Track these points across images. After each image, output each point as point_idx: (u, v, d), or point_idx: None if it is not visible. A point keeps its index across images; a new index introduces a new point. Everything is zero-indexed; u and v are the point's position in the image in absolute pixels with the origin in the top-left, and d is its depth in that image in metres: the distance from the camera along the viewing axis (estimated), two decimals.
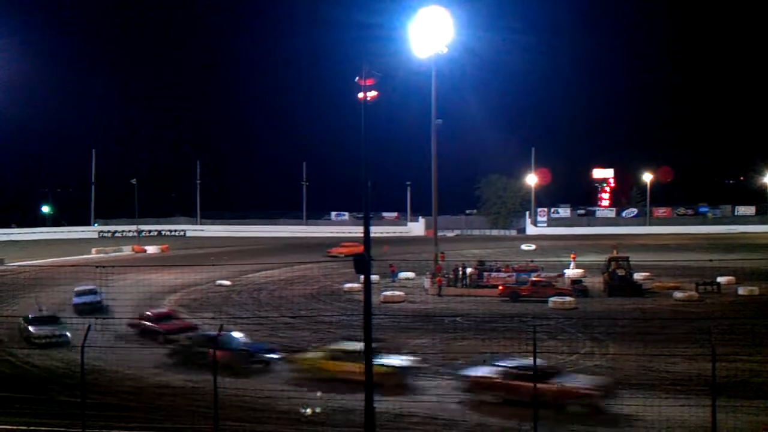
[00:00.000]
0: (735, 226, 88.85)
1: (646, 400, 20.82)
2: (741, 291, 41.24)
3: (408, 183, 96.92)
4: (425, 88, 49.04)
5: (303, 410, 20.52)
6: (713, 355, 17.14)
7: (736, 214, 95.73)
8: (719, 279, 43.30)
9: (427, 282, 46.25)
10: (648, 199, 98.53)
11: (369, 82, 19.21)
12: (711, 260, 45.05)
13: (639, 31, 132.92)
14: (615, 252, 45.82)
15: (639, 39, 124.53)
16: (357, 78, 19.40)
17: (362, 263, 17.99)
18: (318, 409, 20.59)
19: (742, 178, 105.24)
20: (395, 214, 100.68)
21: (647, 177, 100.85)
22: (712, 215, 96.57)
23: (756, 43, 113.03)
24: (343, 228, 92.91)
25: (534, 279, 42.75)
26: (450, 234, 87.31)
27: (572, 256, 50.71)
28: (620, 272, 42.94)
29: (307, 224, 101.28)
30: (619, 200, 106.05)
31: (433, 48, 46.96)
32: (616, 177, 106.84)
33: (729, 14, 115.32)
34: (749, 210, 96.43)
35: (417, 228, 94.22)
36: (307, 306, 40.71)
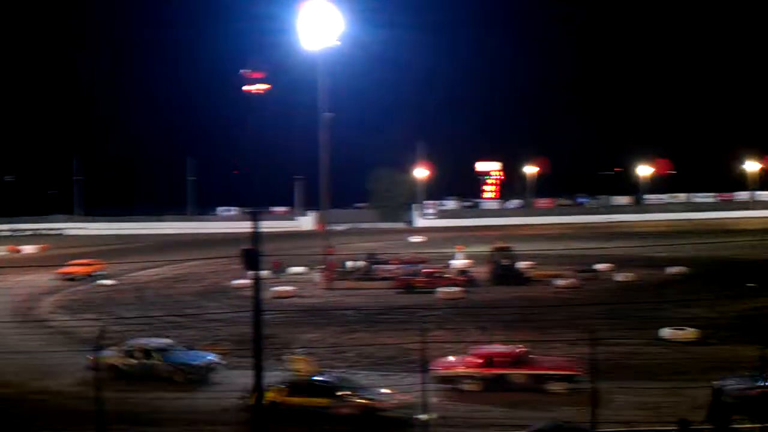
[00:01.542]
0: (612, 215, 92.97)
1: None
2: (618, 277, 43.31)
3: (298, 177, 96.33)
4: (317, 81, 48.84)
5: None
6: (592, 340, 17.90)
7: (612, 204, 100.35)
8: (599, 266, 45.40)
9: (317, 276, 46.18)
10: (525, 191, 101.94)
11: (257, 74, 18.97)
12: (590, 248, 47.06)
13: (524, 24, 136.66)
14: (500, 244, 47.13)
15: (524, 33, 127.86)
16: (243, 70, 19.12)
17: (251, 258, 17.76)
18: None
19: (617, 169, 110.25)
20: (285, 208, 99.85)
21: (530, 169, 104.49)
22: (591, 205, 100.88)
23: (632, 37, 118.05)
24: (230, 224, 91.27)
25: (427, 270, 43.47)
26: (340, 228, 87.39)
27: (458, 247, 51.80)
28: (505, 262, 44.29)
29: (193, 220, 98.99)
30: (504, 192, 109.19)
31: (324, 41, 46.83)
32: (501, 169, 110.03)
33: (610, 7, 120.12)
34: (624, 200, 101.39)
35: (307, 222, 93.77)
36: (194, 304, 39.90)
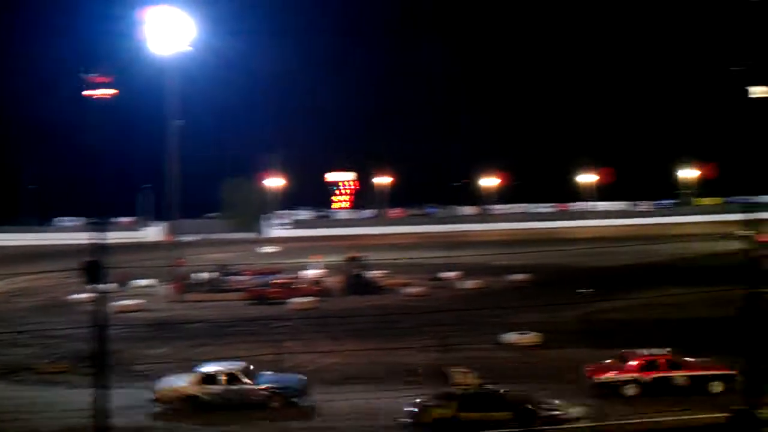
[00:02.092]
0: (459, 224, 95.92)
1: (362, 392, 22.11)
2: (466, 285, 44.76)
3: (145, 186, 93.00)
4: (167, 87, 47.39)
5: None
6: (439, 346, 18.41)
7: (459, 214, 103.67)
8: (447, 274, 46.75)
9: (165, 289, 44.74)
10: (378, 200, 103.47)
11: (102, 79, 18.16)
12: (439, 257, 48.27)
13: (379, 35, 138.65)
14: (353, 253, 47.54)
15: (378, 43, 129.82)
16: (86, 75, 18.26)
17: (94, 270, 16.92)
18: None
19: (465, 181, 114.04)
20: (131, 218, 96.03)
21: (382, 179, 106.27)
22: (440, 215, 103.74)
23: (480, 52, 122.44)
24: (69, 235, 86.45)
25: (279, 281, 43.12)
26: (190, 238, 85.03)
27: (314, 257, 51.77)
28: (357, 271, 44.74)
29: (29, 231, 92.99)
30: (357, 202, 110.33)
31: (174, 46, 45.61)
32: (354, 180, 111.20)
33: (468, 22, 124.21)
34: (471, 210, 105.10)
35: (154, 233, 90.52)
36: (31, 320, 37.49)
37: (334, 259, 48.95)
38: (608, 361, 23.16)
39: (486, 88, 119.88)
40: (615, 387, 22.05)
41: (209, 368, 22.62)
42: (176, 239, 50.52)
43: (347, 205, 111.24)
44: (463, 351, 24.31)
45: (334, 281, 45.60)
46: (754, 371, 17.86)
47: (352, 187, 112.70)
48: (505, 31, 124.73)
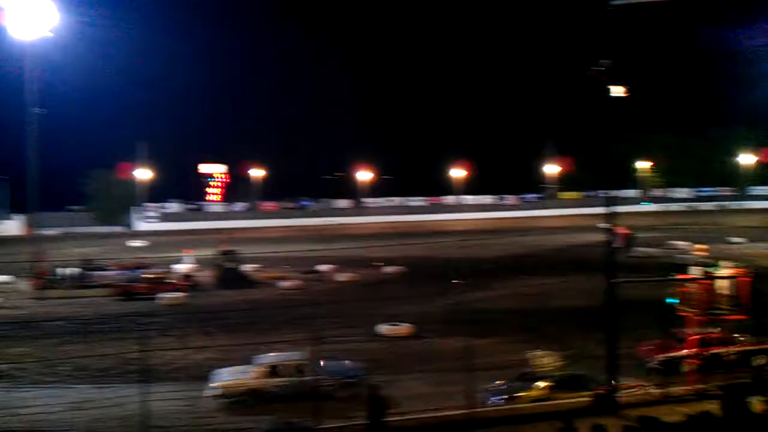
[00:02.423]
0: (333, 218, 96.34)
1: None
2: (340, 277, 44.95)
3: (2, 177, 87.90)
4: (27, 74, 44.91)
5: None
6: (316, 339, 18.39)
7: (334, 207, 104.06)
8: (322, 267, 46.81)
9: (25, 285, 42.48)
10: (250, 193, 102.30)
11: None
12: (313, 250, 48.33)
13: (257, 26, 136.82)
14: (225, 247, 46.77)
15: (255, 35, 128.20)
16: None
17: None
18: None
19: (339, 174, 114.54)
20: None
21: (255, 172, 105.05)
22: (313, 208, 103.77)
23: (357, 46, 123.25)
24: None
25: (148, 276, 41.82)
26: (52, 232, 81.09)
27: (186, 251, 50.58)
28: (229, 265, 44.05)
29: None
30: (229, 195, 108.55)
31: (35, 32, 43.29)
32: (226, 172, 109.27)
33: (338, 14, 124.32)
34: (345, 203, 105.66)
35: (12, 227, 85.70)
36: None
37: (206, 252, 48.01)
38: (656, 341, 24.14)
39: (360, 82, 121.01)
40: (676, 365, 22.58)
41: (272, 359, 22.16)
42: (36, 233, 47.98)
43: (219, 198, 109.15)
44: (335, 343, 24.33)
45: (206, 275, 44.75)
46: (611, 356, 18.91)
47: (224, 179, 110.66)
48: (377, 23, 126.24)
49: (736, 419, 11.94)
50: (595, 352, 21.55)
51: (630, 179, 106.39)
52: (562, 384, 20.21)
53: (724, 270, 22.97)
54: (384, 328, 29.81)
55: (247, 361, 22.58)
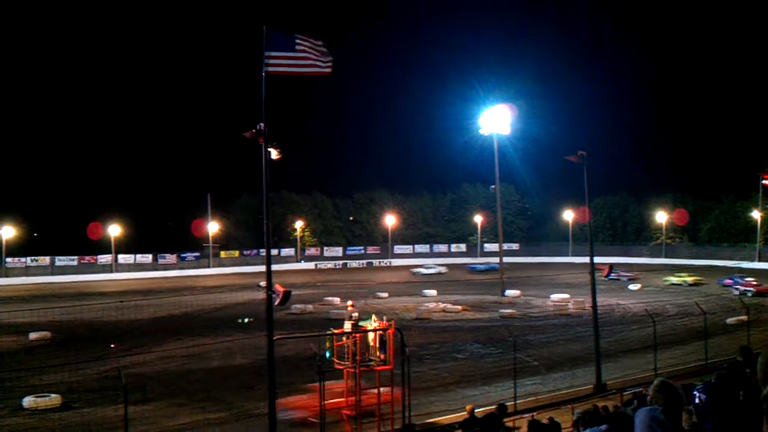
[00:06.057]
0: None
1: None
2: None
3: None
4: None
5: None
6: None
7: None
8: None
9: None
10: None
11: None
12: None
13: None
14: None
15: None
16: None
17: None
18: None
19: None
20: None
21: None
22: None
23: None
24: None
25: None
26: None
27: None
28: None
29: None
30: None
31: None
32: None
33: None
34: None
35: None
36: None
37: None
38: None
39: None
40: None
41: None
42: None
43: None
44: None
45: None
46: (273, 413, 19.25)
47: None
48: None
49: None
50: (256, 411, 21.97)
51: (286, 238, 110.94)
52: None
53: (374, 323, 22.80)
54: (29, 401, 27.21)
55: None
